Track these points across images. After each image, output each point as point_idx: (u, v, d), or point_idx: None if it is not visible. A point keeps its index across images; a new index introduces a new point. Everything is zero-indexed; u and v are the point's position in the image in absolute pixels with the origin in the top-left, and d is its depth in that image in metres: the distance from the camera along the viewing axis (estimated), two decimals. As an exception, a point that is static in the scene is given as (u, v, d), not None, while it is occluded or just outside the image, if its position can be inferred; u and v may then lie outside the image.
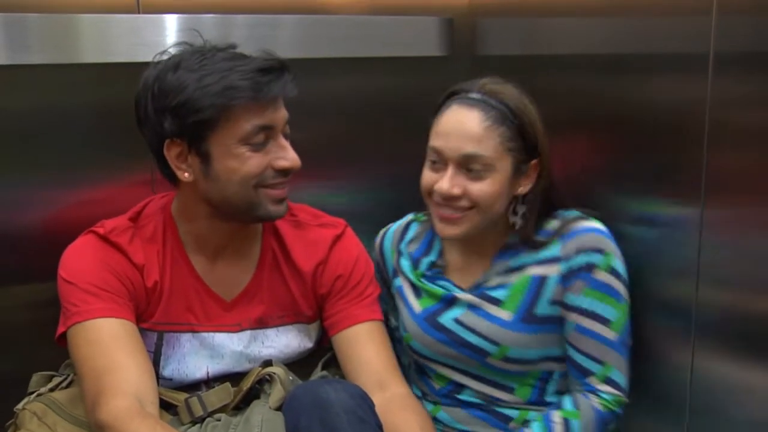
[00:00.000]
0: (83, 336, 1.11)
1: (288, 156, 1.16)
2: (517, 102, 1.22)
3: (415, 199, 1.43)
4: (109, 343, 1.10)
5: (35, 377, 1.19)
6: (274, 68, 1.13)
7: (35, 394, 1.14)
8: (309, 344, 1.31)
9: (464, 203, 1.20)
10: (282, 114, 1.16)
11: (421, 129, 1.68)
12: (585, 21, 1.42)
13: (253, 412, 1.11)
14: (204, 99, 1.09)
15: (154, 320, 1.21)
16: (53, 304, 1.17)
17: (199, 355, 1.23)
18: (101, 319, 1.11)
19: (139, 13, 1.37)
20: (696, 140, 1.12)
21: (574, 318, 1.21)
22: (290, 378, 1.19)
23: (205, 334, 1.23)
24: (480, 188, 1.19)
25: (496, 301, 1.25)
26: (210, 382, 1.24)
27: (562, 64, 1.48)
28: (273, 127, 1.15)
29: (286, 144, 1.17)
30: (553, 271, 1.22)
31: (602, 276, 1.19)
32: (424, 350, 1.31)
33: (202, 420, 1.13)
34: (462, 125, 1.20)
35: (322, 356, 1.32)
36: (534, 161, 1.23)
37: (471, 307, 1.26)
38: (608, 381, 1.21)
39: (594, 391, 1.21)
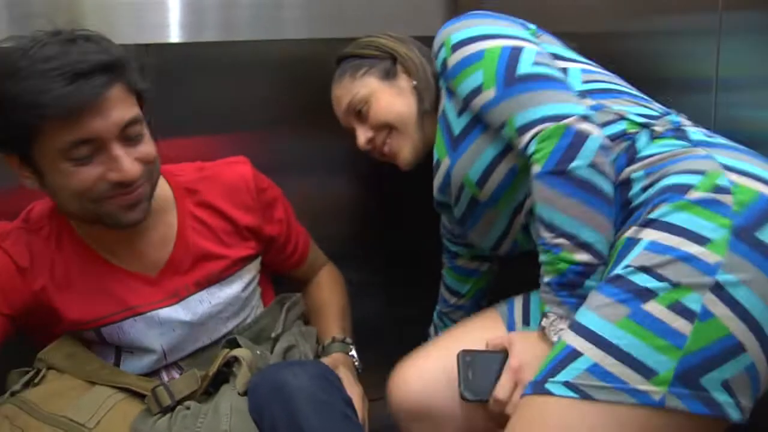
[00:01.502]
0: None
1: (121, 167, 1.04)
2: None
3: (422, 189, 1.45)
4: None
5: (10, 375, 1.16)
6: (91, 71, 1.00)
7: (7, 393, 1.11)
8: (254, 285, 1.32)
9: (382, 137, 1.30)
10: (112, 119, 1.02)
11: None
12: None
13: (221, 399, 1.09)
14: (13, 114, 0.99)
15: (81, 320, 1.16)
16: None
17: (149, 336, 1.20)
18: None
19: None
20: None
21: None
22: (258, 353, 1.18)
23: (146, 315, 1.19)
24: (375, 113, 1.29)
25: None
26: (170, 365, 1.23)
27: (567, 41, 1.47)
28: (94, 139, 1.02)
29: (119, 154, 1.04)
30: None
31: None
32: None
33: (171, 409, 1.10)
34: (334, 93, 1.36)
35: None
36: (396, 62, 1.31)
37: None
38: None
39: None
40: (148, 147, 1.09)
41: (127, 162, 1.05)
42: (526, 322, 1.18)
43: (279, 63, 1.48)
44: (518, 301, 1.21)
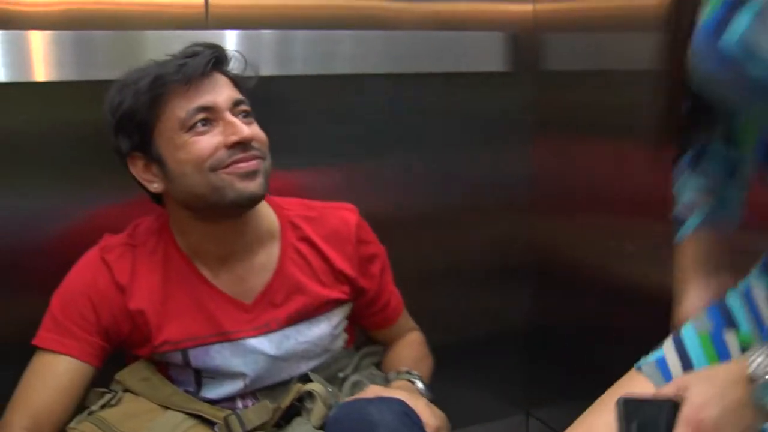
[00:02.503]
0: (35, 359, 1.16)
1: (237, 130, 1.11)
2: None
3: (475, 210, 1.41)
4: (46, 379, 1.14)
5: (91, 394, 1.19)
6: (200, 52, 1.13)
7: (86, 412, 1.15)
8: (340, 329, 1.31)
9: None
10: (224, 94, 1.13)
11: (483, 145, 1.69)
12: (652, 35, 1.38)
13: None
14: (138, 101, 1.11)
15: (172, 339, 1.18)
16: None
17: (233, 363, 1.21)
18: (53, 354, 1.15)
19: (207, 28, 1.39)
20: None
21: None
22: (329, 390, 1.18)
23: (235, 342, 1.20)
24: None
25: None
26: (246, 394, 1.23)
27: (629, 79, 1.44)
28: (212, 107, 1.11)
29: (234, 119, 1.12)
30: None
31: None
32: None
33: None
34: None
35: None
36: None
37: None
38: None
39: None
40: (258, 129, 1.16)
41: (243, 125, 1.11)
42: (687, 366, 0.94)
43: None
44: (668, 349, 0.97)
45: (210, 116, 1.11)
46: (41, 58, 1.26)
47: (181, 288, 1.19)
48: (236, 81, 1.18)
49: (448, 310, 1.63)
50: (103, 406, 1.16)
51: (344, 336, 1.33)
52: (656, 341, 1.33)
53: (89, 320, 1.16)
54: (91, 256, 1.20)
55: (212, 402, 1.22)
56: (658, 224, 1.38)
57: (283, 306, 1.22)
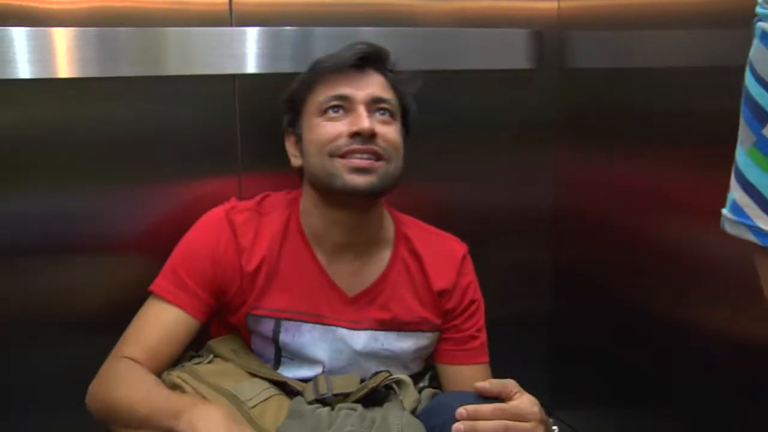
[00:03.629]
0: (148, 303, 1.22)
1: (359, 121, 1.16)
2: None
3: (497, 213, 1.39)
4: (156, 324, 1.20)
5: (184, 355, 1.24)
6: (356, 47, 1.21)
7: (179, 366, 1.20)
8: (423, 354, 1.32)
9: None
10: (366, 90, 1.20)
11: (508, 142, 1.68)
12: (679, 33, 1.36)
13: (389, 412, 1.11)
14: (297, 84, 1.25)
15: (271, 307, 1.22)
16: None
17: (318, 347, 1.24)
18: (165, 303, 1.20)
19: (232, 25, 1.39)
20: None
21: None
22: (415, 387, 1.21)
23: (326, 327, 1.23)
24: None
25: None
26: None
27: (654, 77, 1.42)
28: (347, 97, 1.19)
29: (363, 112, 1.17)
30: None
31: None
32: None
33: (324, 402, 1.15)
34: None
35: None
36: None
37: None
38: None
39: None
40: (392, 131, 1.21)
41: (367, 119, 1.17)
42: None
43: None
44: None
45: (344, 105, 1.19)
46: (65, 55, 1.27)
47: (293, 263, 1.23)
48: (394, 82, 1.24)
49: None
50: (195, 364, 1.20)
51: (422, 362, 1.34)
52: (679, 360, 1.31)
53: (205, 276, 1.21)
54: (215, 214, 1.26)
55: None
56: (687, 229, 1.38)
57: (381, 310, 1.26)
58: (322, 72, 1.21)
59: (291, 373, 1.25)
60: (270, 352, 1.26)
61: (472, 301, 1.33)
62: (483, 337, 1.35)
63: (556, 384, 1.79)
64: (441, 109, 1.59)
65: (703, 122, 1.30)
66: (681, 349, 1.41)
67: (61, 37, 1.26)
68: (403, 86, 1.26)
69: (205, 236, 1.24)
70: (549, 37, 1.65)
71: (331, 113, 1.19)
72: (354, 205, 1.21)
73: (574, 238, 1.72)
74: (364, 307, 1.25)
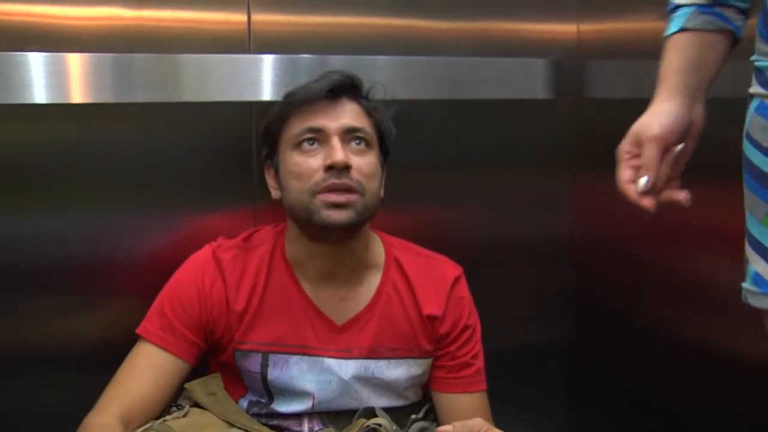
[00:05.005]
0: (137, 347, 1.21)
1: (333, 152, 1.15)
2: None
3: (514, 241, 1.36)
4: (146, 369, 1.18)
5: None
6: (328, 76, 1.19)
7: (160, 420, 1.17)
8: (416, 381, 1.29)
9: None
10: (340, 120, 1.18)
11: (526, 171, 1.66)
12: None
13: None
14: (273, 116, 1.23)
15: (257, 340, 1.21)
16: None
17: (306, 379, 1.22)
18: (153, 347, 1.19)
19: (249, 52, 1.39)
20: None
21: None
22: (394, 429, 1.17)
23: (314, 358, 1.22)
24: None
25: None
26: (313, 415, 1.24)
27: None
28: (320, 130, 1.17)
29: (336, 144, 1.16)
30: None
31: None
32: None
33: None
34: None
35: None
36: None
37: None
38: None
39: None
40: (368, 162, 1.19)
41: (341, 151, 1.15)
42: None
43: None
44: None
45: (318, 137, 1.18)
46: (79, 81, 1.27)
47: (279, 294, 1.23)
48: (369, 109, 1.22)
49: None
50: (170, 419, 1.18)
51: (418, 390, 1.32)
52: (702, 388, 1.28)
53: (193, 317, 1.20)
54: (203, 254, 1.26)
55: (282, 416, 1.24)
56: (706, 256, 1.35)
57: (370, 337, 1.24)
58: (294, 104, 1.20)
59: (284, 407, 1.24)
60: (261, 388, 1.25)
61: (466, 327, 1.30)
62: (479, 363, 1.32)
63: (573, 411, 1.76)
64: (458, 138, 1.58)
65: (721, 151, 1.28)
66: (704, 376, 1.38)
67: (76, 63, 1.26)
68: (379, 113, 1.24)
69: (192, 277, 1.23)
70: (567, 66, 1.64)
71: (306, 146, 1.18)
72: (333, 237, 1.20)
73: (591, 266, 1.70)
74: (354, 336, 1.24)
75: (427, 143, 1.56)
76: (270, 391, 1.24)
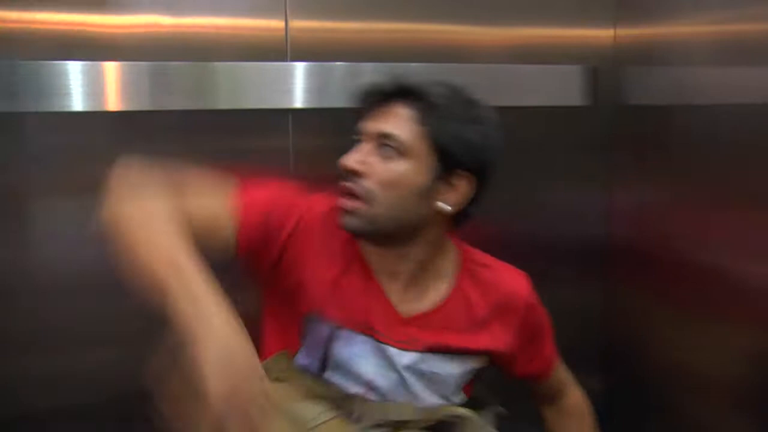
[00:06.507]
0: (221, 190, 1.17)
1: (345, 156, 1.15)
2: None
3: (556, 245, 1.34)
4: (207, 205, 1.14)
5: None
6: (381, 84, 1.17)
7: None
8: (466, 378, 1.29)
9: None
10: (377, 125, 1.16)
11: (563, 178, 1.65)
12: (739, 70, 1.31)
13: None
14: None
15: (330, 313, 1.20)
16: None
17: (367, 361, 1.22)
18: (230, 196, 1.16)
19: (287, 58, 1.41)
20: None
21: None
22: (477, 420, 1.20)
23: (378, 343, 1.21)
24: None
25: None
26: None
27: (713, 114, 1.37)
28: (363, 132, 1.17)
29: (360, 147, 1.16)
30: None
31: None
32: None
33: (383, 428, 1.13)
34: None
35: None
36: None
37: None
38: None
39: None
40: (387, 169, 1.14)
41: (352, 156, 1.14)
42: None
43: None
44: None
45: (363, 139, 1.17)
46: (116, 88, 1.29)
47: (356, 279, 1.21)
48: (423, 117, 1.15)
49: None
50: None
51: (462, 394, 1.31)
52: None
53: (274, 219, 1.18)
54: (321, 195, 1.23)
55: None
56: (743, 265, 1.32)
57: (432, 335, 1.23)
58: (359, 105, 1.21)
59: (337, 382, 1.23)
60: (317, 360, 1.23)
61: (535, 336, 1.32)
62: (553, 347, 1.37)
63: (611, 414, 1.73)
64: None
65: (763, 159, 1.25)
66: (742, 384, 1.36)
67: (113, 71, 1.29)
68: (440, 120, 1.16)
69: (297, 193, 1.23)
70: (605, 72, 1.62)
71: (355, 145, 1.18)
72: (366, 240, 1.20)
73: (630, 274, 1.67)
74: (418, 330, 1.23)
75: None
76: (326, 361, 1.23)
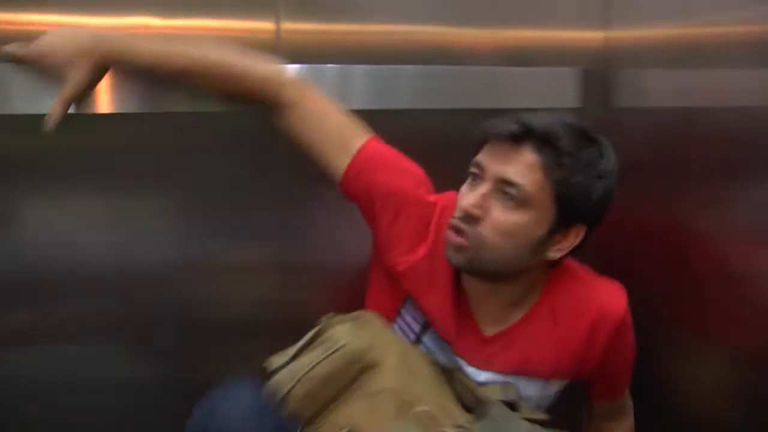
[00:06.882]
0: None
1: (463, 196, 1.12)
2: None
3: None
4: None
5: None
6: (512, 126, 1.10)
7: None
8: (546, 402, 1.27)
9: None
10: (500, 167, 1.09)
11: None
12: (731, 72, 1.32)
13: None
14: (477, 133, 1.17)
15: (427, 310, 1.21)
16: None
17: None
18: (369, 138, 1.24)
19: (279, 60, 1.39)
20: None
21: None
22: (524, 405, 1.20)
23: (458, 357, 1.21)
24: None
25: None
26: None
27: (706, 117, 1.37)
28: (484, 170, 1.12)
29: (476, 190, 1.11)
30: None
31: None
32: None
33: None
34: None
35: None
36: None
37: None
38: None
39: None
40: (506, 219, 1.10)
41: (470, 197, 1.11)
42: None
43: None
44: None
45: (480, 175, 1.12)
46: (105, 91, 1.27)
47: (442, 288, 1.21)
48: (550, 166, 1.09)
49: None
50: None
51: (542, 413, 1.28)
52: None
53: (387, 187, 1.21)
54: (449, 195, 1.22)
55: None
56: (742, 271, 1.32)
57: (514, 355, 1.21)
58: (484, 135, 1.15)
59: None
60: (412, 336, 1.24)
61: (622, 357, 1.28)
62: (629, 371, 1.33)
63: None
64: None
65: (758, 162, 1.26)
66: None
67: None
68: (567, 174, 1.09)
69: (426, 197, 1.24)
70: (594, 75, 1.63)
71: (470, 179, 1.15)
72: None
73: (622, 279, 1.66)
74: (499, 350, 1.21)
75: (450, 152, 1.53)
76: (421, 338, 1.24)
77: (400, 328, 1.26)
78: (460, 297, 1.21)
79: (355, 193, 1.23)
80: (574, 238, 1.15)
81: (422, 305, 1.21)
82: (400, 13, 1.51)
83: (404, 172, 1.23)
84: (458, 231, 1.11)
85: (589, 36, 1.64)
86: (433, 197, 1.24)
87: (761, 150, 1.26)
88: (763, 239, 1.26)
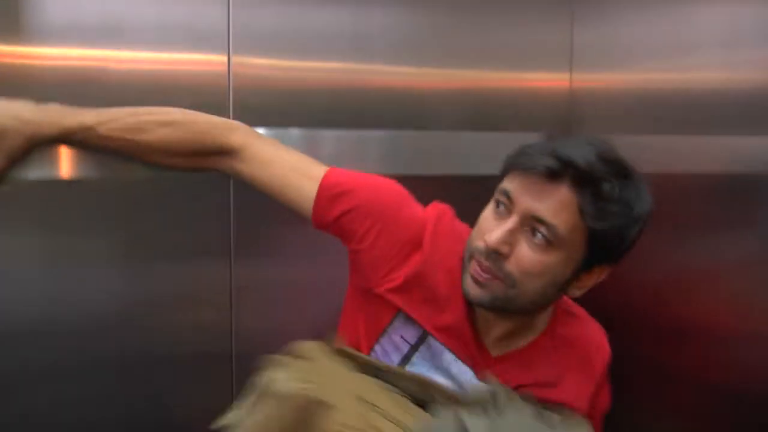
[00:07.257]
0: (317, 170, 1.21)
1: (491, 231, 1.05)
2: None
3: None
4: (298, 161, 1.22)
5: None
6: (549, 162, 1.02)
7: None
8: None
9: None
10: (532, 203, 1.03)
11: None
12: (695, 139, 1.34)
13: None
14: (506, 159, 1.11)
15: (424, 319, 1.15)
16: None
17: (434, 377, 1.16)
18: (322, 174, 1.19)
19: (228, 93, 1.39)
20: None
21: None
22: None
23: (468, 367, 1.16)
24: None
25: None
26: None
27: (670, 183, 1.39)
28: (513, 202, 1.05)
29: (505, 225, 1.04)
30: None
31: None
32: None
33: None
34: None
35: None
36: None
37: None
38: None
39: None
40: (536, 259, 1.04)
41: (498, 232, 1.04)
42: None
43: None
44: None
45: (507, 205, 1.06)
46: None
47: (451, 306, 1.15)
48: (586, 206, 1.02)
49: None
50: None
51: None
52: None
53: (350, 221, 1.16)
54: (447, 213, 1.20)
55: None
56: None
57: (516, 377, 1.16)
58: (515, 163, 1.08)
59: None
60: (396, 357, 1.18)
61: (602, 409, 1.26)
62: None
63: None
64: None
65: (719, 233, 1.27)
66: None
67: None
68: (604, 217, 1.03)
69: (416, 213, 1.19)
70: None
71: (495, 206, 1.08)
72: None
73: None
74: (504, 371, 1.16)
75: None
76: (410, 357, 1.18)
77: (383, 349, 1.19)
78: (468, 313, 1.16)
79: (330, 221, 1.18)
80: (597, 277, 1.12)
81: (422, 319, 1.16)
82: (355, 52, 1.50)
83: (380, 188, 1.19)
84: (482, 266, 1.06)
85: (555, 100, 1.66)
86: (418, 208, 1.20)
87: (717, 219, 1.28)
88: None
